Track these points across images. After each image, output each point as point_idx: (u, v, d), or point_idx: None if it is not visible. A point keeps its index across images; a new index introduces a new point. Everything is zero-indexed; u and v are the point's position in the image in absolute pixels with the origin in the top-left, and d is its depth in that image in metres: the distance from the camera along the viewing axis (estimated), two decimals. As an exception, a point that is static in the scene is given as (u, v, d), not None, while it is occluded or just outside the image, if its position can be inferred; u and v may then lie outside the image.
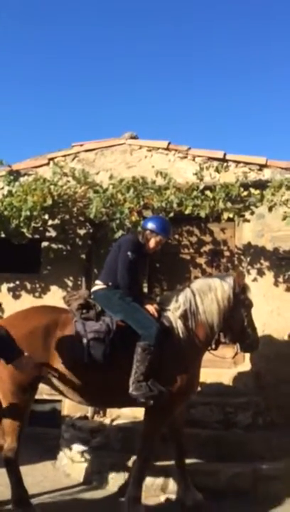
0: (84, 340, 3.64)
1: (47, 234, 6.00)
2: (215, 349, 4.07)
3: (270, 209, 5.29)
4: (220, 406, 4.76)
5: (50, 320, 3.79)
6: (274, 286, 5.60)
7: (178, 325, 3.86)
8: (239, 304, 4.00)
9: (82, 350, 3.64)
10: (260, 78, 21.30)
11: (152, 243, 4.08)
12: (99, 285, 4.02)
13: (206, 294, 3.96)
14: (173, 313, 3.90)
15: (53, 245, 6.07)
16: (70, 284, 6.02)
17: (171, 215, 5.28)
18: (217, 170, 5.64)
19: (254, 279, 5.61)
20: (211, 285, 4.01)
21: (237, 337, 4.07)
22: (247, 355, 5.31)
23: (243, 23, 19.19)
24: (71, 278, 6.04)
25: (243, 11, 18.98)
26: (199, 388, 4.46)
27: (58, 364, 3.68)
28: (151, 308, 3.85)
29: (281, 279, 5.61)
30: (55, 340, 3.69)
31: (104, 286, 3.96)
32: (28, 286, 6.11)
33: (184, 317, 3.90)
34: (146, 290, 5.70)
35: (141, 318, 3.75)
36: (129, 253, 3.87)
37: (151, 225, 4.08)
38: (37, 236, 5.88)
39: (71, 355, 3.66)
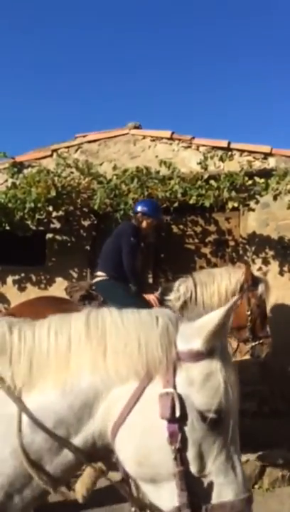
0: None
1: (52, 226, 6.01)
2: None
3: (275, 198, 5.27)
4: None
5: (54, 311, 3.79)
6: (279, 276, 5.59)
7: None
8: (244, 301, 3.91)
9: None
10: (265, 66, 21.10)
11: (144, 225, 4.15)
12: (101, 276, 4.02)
13: (208, 286, 3.93)
14: (174, 304, 3.89)
15: (58, 237, 6.07)
16: (74, 275, 6.03)
17: (176, 205, 5.26)
18: (221, 159, 5.61)
19: (259, 269, 5.58)
20: (216, 277, 3.97)
21: (236, 335, 4.00)
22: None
23: (246, 11, 18.96)
24: (76, 269, 6.05)
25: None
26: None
27: None
28: (152, 297, 3.86)
29: (286, 268, 5.60)
30: None
31: (107, 278, 3.96)
32: (34, 278, 6.13)
33: (184, 308, 3.88)
34: (151, 280, 5.71)
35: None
36: (132, 239, 3.94)
37: (141, 208, 4.15)
38: (41, 228, 5.89)
39: None
